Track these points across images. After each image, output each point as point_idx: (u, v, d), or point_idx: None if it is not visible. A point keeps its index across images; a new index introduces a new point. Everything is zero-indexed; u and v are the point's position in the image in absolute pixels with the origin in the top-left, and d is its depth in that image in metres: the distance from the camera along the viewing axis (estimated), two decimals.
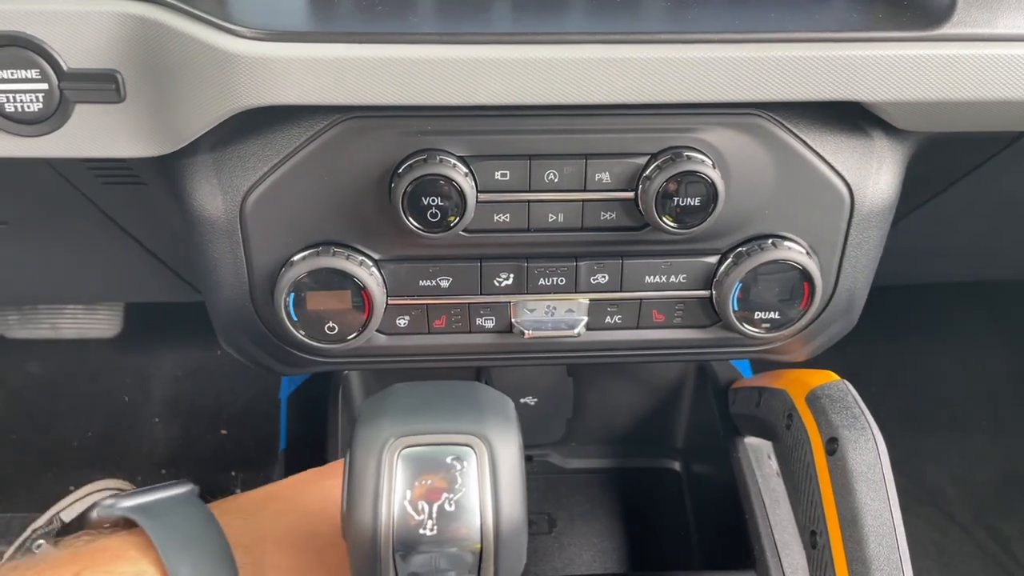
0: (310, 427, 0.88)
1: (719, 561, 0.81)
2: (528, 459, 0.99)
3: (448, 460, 0.45)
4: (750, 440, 0.88)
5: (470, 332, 0.72)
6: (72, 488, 1.32)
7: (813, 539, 0.63)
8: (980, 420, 1.92)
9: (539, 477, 0.97)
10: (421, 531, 0.44)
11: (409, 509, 0.44)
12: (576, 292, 0.70)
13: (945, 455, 1.86)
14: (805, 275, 0.68)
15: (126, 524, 0.53)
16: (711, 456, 0.91)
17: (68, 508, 1.30)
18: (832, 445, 0.63)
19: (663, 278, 0.71)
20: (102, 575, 0.49)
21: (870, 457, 0.61)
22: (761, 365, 0.97)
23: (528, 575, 0.88)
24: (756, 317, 0.70)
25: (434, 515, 0.44)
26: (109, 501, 0.53)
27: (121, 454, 1.51)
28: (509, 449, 0.46)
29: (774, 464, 0.87)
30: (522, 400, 0.95)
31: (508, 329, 0.71)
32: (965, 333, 1.92)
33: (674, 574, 0.74)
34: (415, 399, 0.48)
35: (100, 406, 1.55)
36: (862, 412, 0.64)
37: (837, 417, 0.64)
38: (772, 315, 0.70)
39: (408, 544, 0.44)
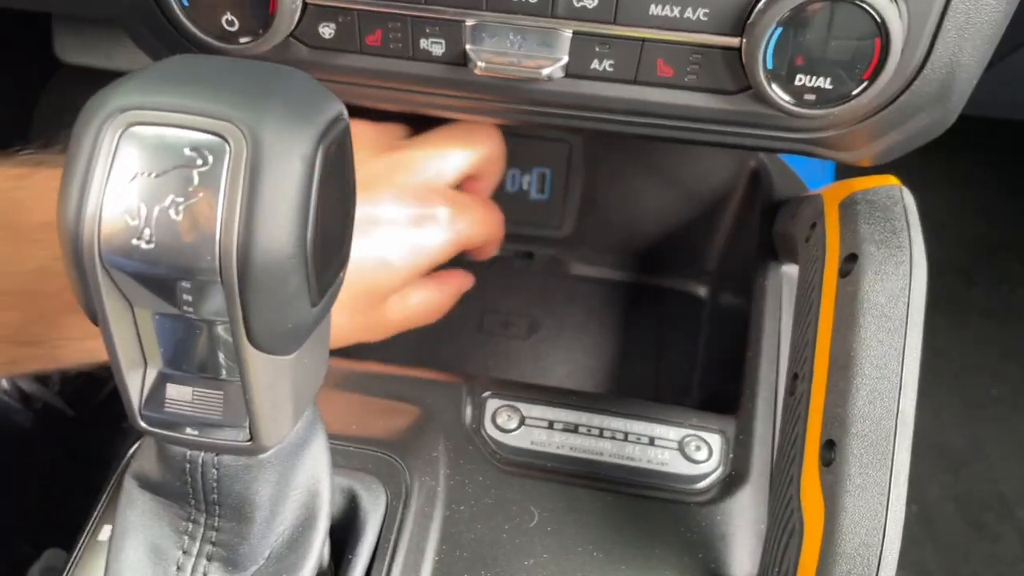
0: None
1: (714, 407, 0.65)
2: (529, 255, 0.85)
3: (186, 151, 0.31)
4: (789, 268, 0.69)
5: (412, 58, 0.55)
6: None
7: (793, 384, 0.46)
8: None
9: (536, 277, 0.83)
10: (135, 241, 0.31)
11: (122, 208, 0.31)
12: (553, 15, 0.52)
13: None
14: (879, 25, 0.47)
15: None
16: (744, 284, 0.73)
17: None
18: (848, 264, 0.44)
19: (676, 10, 0.51)
20: None
21: (894, 285, 0.42)
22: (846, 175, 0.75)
23: (481, 371, 0.76)
24: (798, 83, 0.50)
25: (153, 223, 0.31)
26: None
27: None
28: (287, 151, 0.31)
29: None
30: (524, 183, 0.80)
31: (462, 61, 0.55)
32: None
33: (636, 402, 0.60)
34: (193, 67, 0.34)
35: None
36: (907, 226, 0.45)
37: (868, 228, 0.45)
38: (822, 83, 0.50)
39: (117, 254, 0.31)
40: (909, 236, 0.44)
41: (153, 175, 0.31)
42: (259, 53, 0.54)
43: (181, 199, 0.31)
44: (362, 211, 0.62)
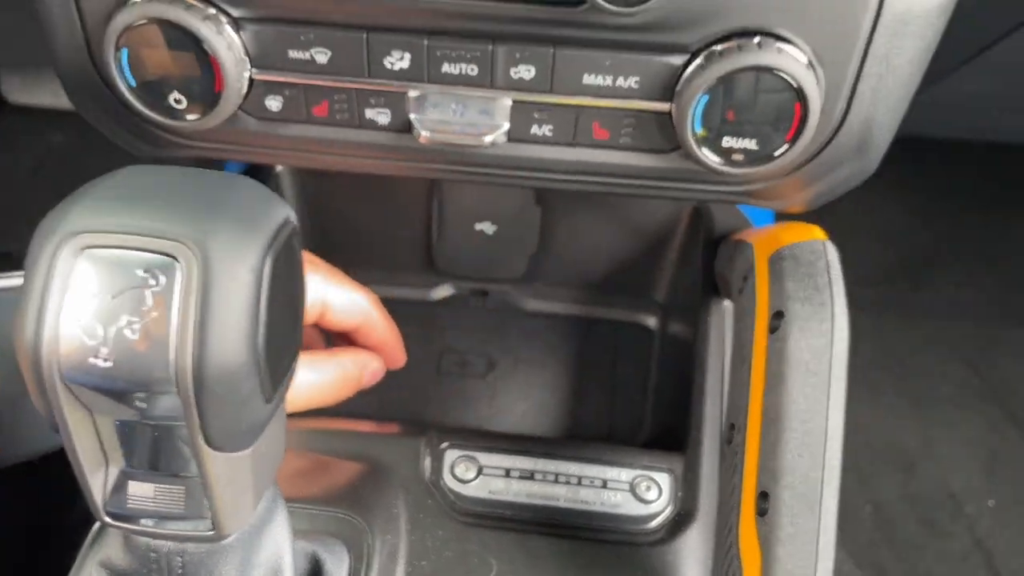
0: None
1: (667, 440, 0.68)
2: (483, 294, 0.87)
3: (139, 272, 0.32)
4: (731, 304, 0.72)
5: (360, 127, 0.57)
6: None
7: (730, 434, 0.49)
8: None
9: (491, 315, 0.85)
10: (93, 360, 0.32)
11: (79, 329, 0.32)
12: (492, 87, 0.54)
13: None
14: (798, 94, 0.50)
15: None
16: (691, 315, 0.76)
17: None
18: (776, 321, 0.47)
19: (608, 80, 0.53)
20: None
21: (818, 342, 0.45)
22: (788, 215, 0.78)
23: (445, 417, 0.78)
24: (725, 144, 0.53)
25: (111, 342, 0.32)
26: None
27: None
28: (236, 265, 0.33)
29: None
30: (478, 226, 0.82)
31: (406, 129, 0.57)
32: None
33: (589, 445, 0.62)
34: (142, 182, 0.35)
35: None
36: (829, 283, 0.48)
37: (793, 285, 0.48)
38: (747, 144, 0.53)
39: (77, 372, 0.33)
40: (831, 292, 0.47)
41: (109, 296, 0.32)
42: (208, 128, 0.56)
43: (136, 318, 0.32)
44: None
